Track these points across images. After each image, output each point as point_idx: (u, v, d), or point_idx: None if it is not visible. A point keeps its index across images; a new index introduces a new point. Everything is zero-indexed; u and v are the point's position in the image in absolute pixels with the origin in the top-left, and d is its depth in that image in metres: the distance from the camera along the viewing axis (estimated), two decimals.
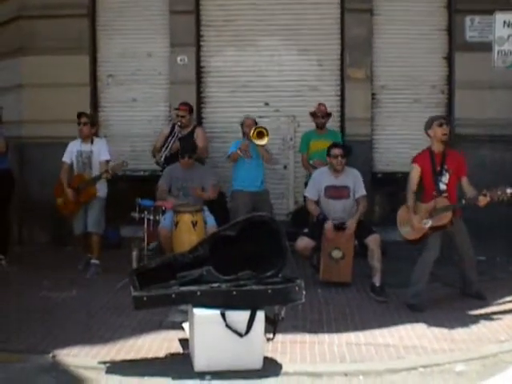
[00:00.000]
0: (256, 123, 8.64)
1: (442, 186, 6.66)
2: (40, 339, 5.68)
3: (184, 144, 8.45)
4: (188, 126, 8.93)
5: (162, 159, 8.63)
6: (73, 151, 8.17)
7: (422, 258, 6.75)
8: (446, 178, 6.68)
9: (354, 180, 7.70)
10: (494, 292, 7.07)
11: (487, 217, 7.52)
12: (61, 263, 8.49)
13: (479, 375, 5.00)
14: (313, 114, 8.92)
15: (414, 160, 6.86)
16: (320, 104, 8.93)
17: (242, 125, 8.69)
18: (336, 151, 7.66)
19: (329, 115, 8.92)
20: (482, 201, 6.33)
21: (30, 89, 9.87)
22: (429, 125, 6.80)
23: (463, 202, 6.55)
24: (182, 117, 8.86)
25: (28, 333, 5.84)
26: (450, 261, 7.19)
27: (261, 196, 8.60)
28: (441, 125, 6.70)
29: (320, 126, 8.85)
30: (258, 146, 8.22)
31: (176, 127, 8.88)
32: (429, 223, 6.53)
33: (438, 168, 6.68)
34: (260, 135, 8.16)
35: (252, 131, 8.15)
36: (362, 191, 7.70)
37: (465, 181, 6.73)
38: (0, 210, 8.45)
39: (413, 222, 6.64)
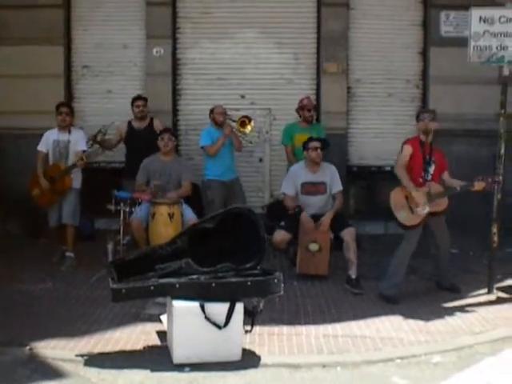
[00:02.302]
0: (226, 113, 8.68)
1: (428, 176, 6.78)
2: (16, 332, 5.62)
3: (148, 132, 8.55)
4: (145, 118, 8.89)
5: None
6: (49, 140, 8.09)
7: (399, 250, 6.81)
8: (432, 169, 6.80)
9: (330, 175, 7.73)
10: (468, 285, 7.18)
11: (460, 210, 7.59)
12: (35, 256, 8.38)
13: (455, 366, 5.08)
14: (301, 108, 8.80)
15: (407, 142, 6.93)
16: (306, 98, 8.91)
17: (212, 112, 8.68)
18: (315, 144, 7.69)
19: (315, 108, 8.92)
20: (479, 186, 6.51)
21: (4, 79, 9.74)
22: (416, 117, 7.02)
23: (458, 188, 6.66)
24: (144, 106, 8.81)
25: (4, 325, 5.77)
26: (427, 254, 7.27)
27: (234, 185, 8.68)
28: (421, 119, 6.88)
29: (309, 120, 8.79)
30: (240, 133, 8.48)
31: (133, 122, 8.86)
32: (426, 209, 6.60)
33: (428, 157, 6.80)
34: (243, 124, 8.39)
35: (237, 123, 8.42)
36: (338, 186, 7.74)
37: (447, 175, 6.89)
38: None
39: (415, 200, 6.63)
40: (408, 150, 6.80)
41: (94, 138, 8.22)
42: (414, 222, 6.69)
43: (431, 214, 6.67)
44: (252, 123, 8.54)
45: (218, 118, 8.55)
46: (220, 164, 8.53)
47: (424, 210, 6.60)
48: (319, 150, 7.65)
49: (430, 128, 6.80)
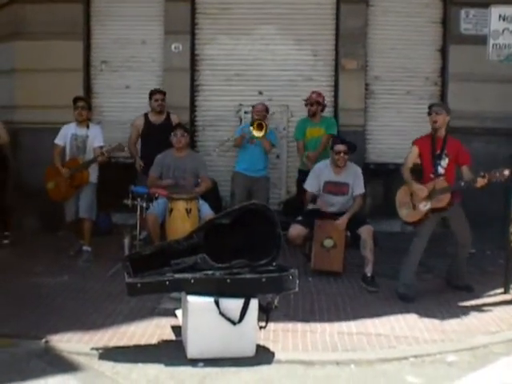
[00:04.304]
0: (267, 110, 8.77)
1: (440, 170, 6.70)
2: (32, 325, 5.66)
3: (165, 127, 8.52)
4: (163, 112, 8.92)
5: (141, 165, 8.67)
6: (67, 134, 8.13)
7: (410, 247, 6.79)
8: (444, 162, 6.72)
9: (354, 176, 7.69)
10: (485, 284, 7.15)
11: (477, 209, 7.55)
12: (52, 249, 8.47)
13: (470, 366, 5.05)
14: (305, 102, 8.93)
15: (414, 142, 6.93)
16: (312, 92, 8.94)
17: (253, 108, 8.78)
18: (340, 147, 7.61)
19: (318, 103, 8.83)
20: (480, 182, 6.37)
21: (23, 74, 9.83)
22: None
23: (462, 183, 6.58)
24: (162, 100, 8.86)
25: (20, 318, 5.83)
26: (443, 252, 7.24)
27: (259, 182, 8.68)
28: (429, 114, 6.81)
29: (310, 114, 8.85)
30: (253, 134, 8.30)
31: (150, 116, 8.88)
32: (428, 206, 6.59)
33: (438, 151, 6.73)
34: (259, 127, 8.27)
35: (254, 123, 8.31)
36: (360, 189, 7.70)
37: (466, 168, 6.75)
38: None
39: (416, 197, 6.66)
40: (414, 151, 6.84)
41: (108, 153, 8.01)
42: (415, 218, 6.73)
43: (433, 211, 6.64)
44: (264, 131, 8.31)
45: (254, 115, 8.65)
46: (247, 159, 8.62)
47: (425, 206, 6.60)
48: (342, 154, 7.59)
49: (436, 121, 6.73)
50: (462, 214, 6.81)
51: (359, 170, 7.80)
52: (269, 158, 8.91)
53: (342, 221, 7.46)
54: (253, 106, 8.86)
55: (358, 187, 7.70)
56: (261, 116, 8.57)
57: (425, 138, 6.90)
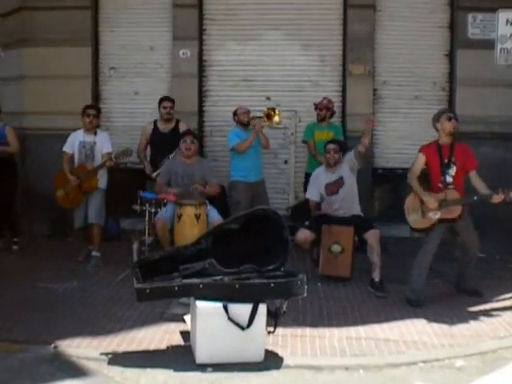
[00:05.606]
0: (249, 112, 8.76)
1: (449, 179, 6.65)
2: (41, 330, 5.69)
3: (173, 135, 8.59)
4: (171, 120, 8.93)
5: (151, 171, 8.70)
6: (75, 142, 8.16)
7: (420, 253, 6.75)
8: (452, 171, 6.66)
9: (345, 165, 7.71)
10: (494, 289, 7.12)
11: (487, 214, 7.54)
12: (61, 254, 8.50)
13: (479, 371, 5.03)
14: (315, 106, 9.05)
15: (420, 149, 6.86)
16: (324, 98, 9.07)
17: (235, 114, 8.77)
18: (330, 145, 7.78)
19: (328, 109, 8.98)
20: (496, 199, 6.37)
21: (32, 80, 9.86)
22: (437, 118, 6.80)
23: (475, 198, 6.54)
24: (171, 108, 8.88)
25: (29, 323, 5.85)
26: (451, 257, 7.22)
27: (259, 186, 8.72)
28: (450, 119, 6.70)
29: (319, 119, 9.00)
30: (268, 125, 8.57)
31: (159, 123, 8.91)
32: (438, 215, 6.55)
33: (446, 160, 6.67)
34: (269, 117, 8.43)
35: (264, 117, 8.47)
36: (350, 155, 7.69)
37: (473, 174, 6.70)
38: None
39: (426, 205, 6.60)
40: (421, 159, 6.78)
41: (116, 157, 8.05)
42: (423, 226, 6.69)
43: (442, 221, 6.60)
44: (277, 112, 8.50)
45: (242, 118, 8.62)
46: (246, 165, 8.57)
47: (435, 215, 6.56)
48: (332, 153, 7.70)
49: (456, 127, 6.70)
50: (470, 222, 6.76)
51: (347, 155, 7.77)
52: (262, 160, 8.98)
53: (364, 142, 7.51)
54: (234, 112, 8.82)
55: (348, 156, 7.69)
56: (248, 117, 8.62)
57: (431, 145, 6.83)
